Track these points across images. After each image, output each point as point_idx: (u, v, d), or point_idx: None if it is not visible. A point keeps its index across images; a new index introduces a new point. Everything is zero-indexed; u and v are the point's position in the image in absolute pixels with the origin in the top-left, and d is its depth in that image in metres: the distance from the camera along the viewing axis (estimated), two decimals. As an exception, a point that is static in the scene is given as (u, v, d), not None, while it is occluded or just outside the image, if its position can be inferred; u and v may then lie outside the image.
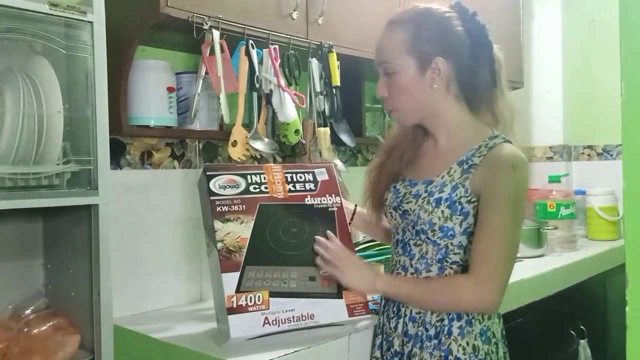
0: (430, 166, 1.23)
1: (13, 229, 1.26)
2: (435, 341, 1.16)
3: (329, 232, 1.26)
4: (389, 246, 1.69)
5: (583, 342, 1.99)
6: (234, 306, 1.14)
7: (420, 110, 1.22)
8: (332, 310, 1.21)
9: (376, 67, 1.23)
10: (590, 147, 2.79)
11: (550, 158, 2.82)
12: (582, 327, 2.00)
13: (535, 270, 1.88)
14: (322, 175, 1.33)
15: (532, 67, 2.82)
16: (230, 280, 1.15)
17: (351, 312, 1.22)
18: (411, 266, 1.21)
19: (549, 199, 2.35)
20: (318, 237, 1.24)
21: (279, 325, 1.16)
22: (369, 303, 1.27)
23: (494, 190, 1.12)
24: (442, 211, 1.16)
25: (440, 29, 1.18)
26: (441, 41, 1.17)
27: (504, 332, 1.25)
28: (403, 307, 1.22)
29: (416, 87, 1.19)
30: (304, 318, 1.18)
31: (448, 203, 1.15)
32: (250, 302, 1.15)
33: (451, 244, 1.17)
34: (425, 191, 1.19)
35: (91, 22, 1.10)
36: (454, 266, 1.17)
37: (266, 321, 1.15)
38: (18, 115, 1.04)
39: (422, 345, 1.17)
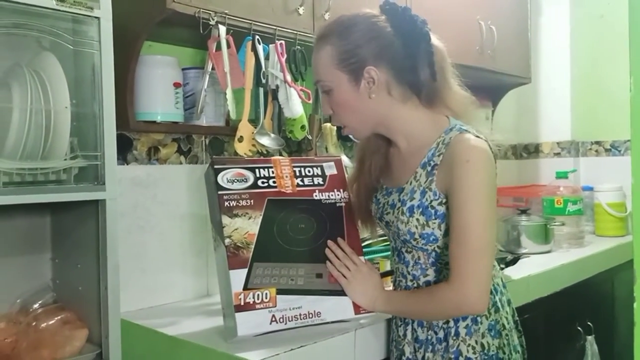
0: (399, 172, 1.22)
1: (21, 223, 1.27)
2: (445, 344, 1.16)
3: (340, 239, 1.25)
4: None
5: (590, 338, 1.98)
6: (242, 303, 1.13)
7: (368, 121, 1.18)
8: (339, 307, 1.21)
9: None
10: (598, 142, 2.78)
11: (557, 154, 2.81)
12: (589, 323, 1.99)
13: (543, 267, 1.87)
14: (330, 170, 1.32)
15: (540, 63, 2.81)
16: (238, 277, 1.15)
17: (357, 309, 1.22)
18: (409, 273, 1.21)
19: (557, 195, 2.35)
20: (330, 242, 1.24)
21: (285, 323, 1.16)
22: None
23: (454, 190, 1.09)
24: (417, 219, 1.14)
25: (366, 36, 1.13)
26: (369, 49, 1.12)
27: (516, 318, 1.24)
28: None
29: (355, 100, 1.15)
30: (310, 316, 1.18)
31: (421, 210, 1.14)
32: (258, 299, 1.15)
33: (438, 247, 1.16)
34: (399, 200, 1.18)
35: (98, 18, 1.10)
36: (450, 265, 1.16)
37: (273, 319, 1.15)
38: (26, 111, 1.04)
39: (434, 349, 1.17)
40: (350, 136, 1.29)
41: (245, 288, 1.15)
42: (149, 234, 1.53)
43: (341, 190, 1.30)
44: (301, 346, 1.13)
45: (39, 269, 1.29)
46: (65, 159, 1.09)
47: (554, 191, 2.36)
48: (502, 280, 1.25)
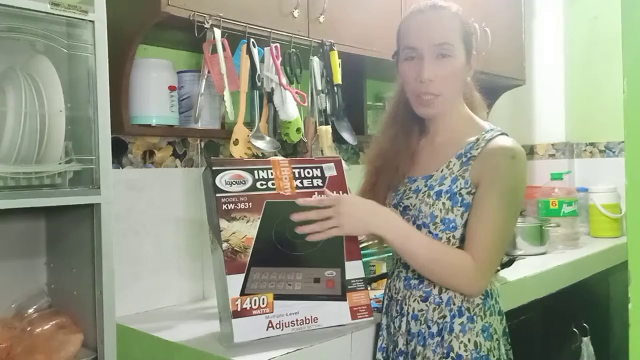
0: (428, 162, 1.24)
1: (16, 228, 1.27)
2: (438, 339, 1.16)
3: (299, 200, 1.18)
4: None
5: (586, 339, 1.99)
6: (239, 310, 1.12)
7: (456, 99, 1.23)
8: (336, 313, 1.20)
9: (423, 49, 1.17)
10: (592, 144, 2.79)
11: (552, 156, 2.82)
12: (585, 324, 2.00)
13: (538, 268, 1.88)
14: (330, 171, 1.30)
15: (534, 65, 2.82)
16: (235, 282, 1.14)
17: (354, 315, 1.21)
18: None
19: (552, 196, 2.35)
20: (300, 200, 1.17)
21: (282, 329, 1.15)
22: (372, 302, 1.26)
23: (494, 177, 1.13)
24: (444, 203, 1.16)
25: (473, 27, 1.26)
26: (475, 39, 1.25)
27: (506, 330, 1.25)
28: (406, 305, 1.22)
29: (462, 76, 1.21)
30: (307, 322, 1.18)
31: (449, 195, 1.16)
32: (255, 305, 1.14)
33: (453, 237, 1.17)
34: (426, 186, 1.20)
35: (93, 22, 1.10)
36: None
37: (270, 325, 1.15)
38: (20, 115, 1.04)
39: (425, 343, 1.18)
40: (429, 109, 1.21)
41: (243, 294, 1.14)
42: (144, 238, 1.53)
43: (340, 192, 1.28)
44: (298, 349, 1.13)
45: (34, 274, 1.28)
46: (60, 163, 1.09)
47: (549, 193, 2.37)
48: (497, 290, 1.25)
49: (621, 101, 0.59)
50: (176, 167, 1.62)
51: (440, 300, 1.18)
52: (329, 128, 1.70)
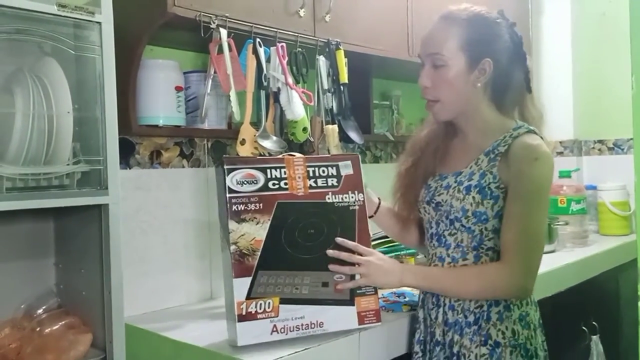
0: (458, 160, 1.28)
1: (24, 229, 1.27)
2: (475, 327, 1.19)
3: (338, 238, 1.21)
4: (398, 243, 1.70)
5: (595, 338, 1.98)
6: (244, 313, 1.12)
7: (460, 106, 1.25)
8: (342, 317, 1.19)
9: (422, 57, 1.26)
10: (601, 141, 2.77)
11: (560, 153, 2.80)
12: (594, 323, 1.99)
13: (547, 266, 1.86)
14: (346, 169, 1.27)
15: (542, 62, 2.80)
16: (242, 285, 1.13)
17: (362, 320, 1.20)
18: (448, 255, 1.25)
19: (560, 194, 2.34)
20: (330, 251, 1.20)
21: (286, 334, 1.15)
22: (379, 300, 1.26)
23: (519, 182, 1.17)
24: (473, 197, 1.20)
25: (492, 32, 1.24)
26: (491, 44, 1.23)
27: (540, 321, 1.27)
28: (442, 296, 1.25)
29: (461, 83, 1.23)
30: (312, 326, 1.17)
31: (478, 189, 1.20)
32: (260, 309, 1.13)
33: (485, 228, 1.20)
34: (455, 181, 1.24)
35: (99, 23, 1.11)
36: (490, 252, 1.21)
37: (274, 329, 1.14)
38: (28, 116, 1.05)
39: (462, 332, 1.21)
40: (432, 114, 1.29)
41: (248, 297, 1.13)
42: (152, 237, 1.54)
43: (356, 192, 1.25)
44: (305, 349, 1.13)
45: (42, 274, 1.29)
46: (68, 164, 1.10)
47: (558, 190, 2.36)
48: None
49: (629, 98, 0.58)
50: (183, 167, 1.62)
51: None
52: (335, 127, 1.70)
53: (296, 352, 1.12)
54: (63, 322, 1.19)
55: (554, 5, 2.81)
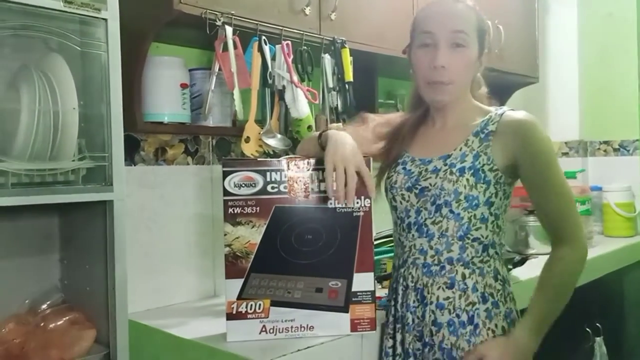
0: (441, 144, 1.24)
1: (29, 224, 1.28)
2: (470, 327, 1.15)
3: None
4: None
5: (599, 339, 1.97)
6: (234, 312, 1.16)
7: (466, 88, 1.25)
8: (334, 323, 1.18)
9: (438, 35, 1.18)
10: (606, 142, 2.76)
11: (565, 154, 2.79)
12: (598, 324, 1.98)
13: (550, 267, 1.86)
14: None
15: (548, 62, 2.79)
16: (233, 286, 1.16)
17: (354, 327, 1.19)
18: (430, 248, 1.19)
19: (565, 195, 2.33)
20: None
21: (275, 334, 1.16)
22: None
23: (535, 151, 1.17)
24: (467, 179, 1.17)
25: (486, 25, 1.27)
26: (486, 35, 1.26)
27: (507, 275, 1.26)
28: (428, 294, 1.18)
29: (473, 67, 1.23)
30: (302, 329, 1.18)
31: (472, 171, 1.17)
32: (250, 309, 1.16)
33: (474, 216, 1.17)
34: (445, 164, 1.20)
35: (105, 19, 1.11)
36: (475, 244, 1.17)
37: (263, 329, 1.16)
38: (34, 112, 1.05)
39: (457, 333, 1.16)
40: (439, 95, 1.22)
41: (239, 298, 1.16)
42: (156, 234, 1.54)
43: (362, 197, 1.19)
44: (308, 347, 1.13)
45: (47, 270, 1.29)
46: (73, 160, 1.10)
47: (562, 191, 2.35)
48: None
49: (636, 99, 0.58)
50: (187, 164, 1.62)
51: (465, 286, 1.17)
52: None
53: (299, 350, 1.12)
54: (67, 318, 1.19)
55: (560, 5, 2.80)
